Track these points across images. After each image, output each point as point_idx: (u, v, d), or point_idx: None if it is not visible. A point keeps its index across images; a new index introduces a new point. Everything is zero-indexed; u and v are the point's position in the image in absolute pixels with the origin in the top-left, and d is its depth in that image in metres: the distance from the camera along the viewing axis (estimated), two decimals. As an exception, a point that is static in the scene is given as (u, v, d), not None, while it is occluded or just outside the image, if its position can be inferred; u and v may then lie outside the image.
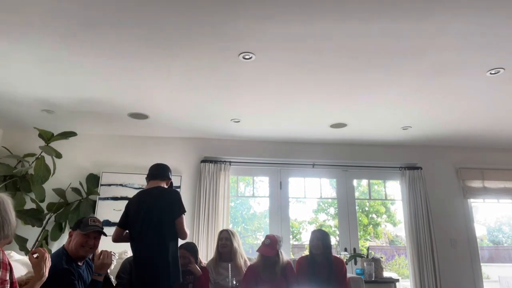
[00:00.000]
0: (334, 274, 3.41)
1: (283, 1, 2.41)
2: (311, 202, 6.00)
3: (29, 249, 4.24)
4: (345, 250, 5.05)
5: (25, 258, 2.85)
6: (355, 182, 5.49)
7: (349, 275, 3.71)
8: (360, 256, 4.58)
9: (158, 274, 2.65)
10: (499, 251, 7.80)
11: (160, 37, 2.82)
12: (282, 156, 5.31)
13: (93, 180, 4.84)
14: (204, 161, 5.07)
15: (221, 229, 4.22)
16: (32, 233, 4.36)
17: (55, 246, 4.46)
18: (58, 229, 4.50)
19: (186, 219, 2.84)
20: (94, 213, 4.66)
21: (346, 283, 3.53)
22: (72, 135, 4.54)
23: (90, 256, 2.70)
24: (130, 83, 3.60)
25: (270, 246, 3.42)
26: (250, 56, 3.07)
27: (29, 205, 4.40)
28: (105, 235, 2.65)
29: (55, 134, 4.45)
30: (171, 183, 3.06)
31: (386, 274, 4.41)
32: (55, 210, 4.47)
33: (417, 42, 2.88)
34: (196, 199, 4.94)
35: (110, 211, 4.71)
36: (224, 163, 5.09)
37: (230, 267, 3.39)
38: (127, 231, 2.87)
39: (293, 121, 4.59)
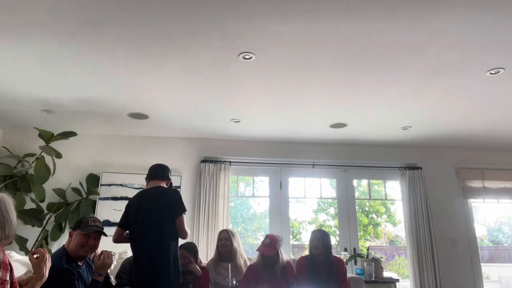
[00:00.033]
0: (334, 274, 3.41)
1: (283, 1, 2.41)
2: (311, 202, 6.01)
3: (29, 249, 4.24)
4: (345, 250, 5.05)
5: (25, 258, 2.85)
6: (355, 182, 5.50)
7: (349, 275, 3.71)
8: (360, 256, 4.58)
9: (158, 274, 2.65)
10: (499, 251, 7.80)
11: (160, 37, 2.82)
12: (282, 156, 5.31)
13: (93, 180, 4.84)
14: (204, 161, 5.07)
15: (221, 229, 4.22)
16: (32, 233, 4.36)
17: (55, 246, 4.46)
18: (58, 229, 4.50)
19: (186, 219, 2.84)
20: (94, 213, 4.66)
21: (346, 283, 3.53)
22: (72, 135, 4.54)
23: (92, 256, 2.70)
24: (130, 83, 3.60)
25: (270, 245, 3.42)
26: (250, 56, 3.07)
27: (29, 205, 4.40)
28: (105, 235, 2.65)
29: (55, 134, 4.45)
30: (171, 183, 3.06)
31: (386, 274, 4.41)
32: (55, 210, 4.48)
33: (417, 42, 2.88)
34: (196, 199, 4.94)
35: (110, 211, 4.71)
36: (224, 163, 5.09)
37: (230, 267, 3.39)
38: (127, 231, 2.87)
39: (293, 121, 4.59)
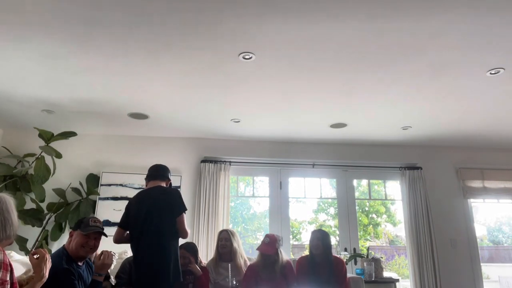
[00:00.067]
0: (334, 274, 3.41)
1: (283, 1, 2.41)
2: (311, 202, 6.00)
3: (29, 249, 4.24)
4: (345, 250, 5.05)
5: (25, 258, 2.86)
6: (355, 182, 5.50)
7: (349, 275, 3.71)
8: (360, 256, 4.58)
9: (158, 274, 2.65)
10: (499, 251, 7.80)
11: (160, 37, 2.82)
12: (282, 156, 5.31)
13: (93, 180, 4.84)
14: (204, 161, 5.07)
15: (221, 229, 4.22)
16: (32, 233, 4.36)
17: (55, 246, 4.46)
18: (58, 229, 4.50)
19: (186, 218, 2.84)
20: (94, 213, 4.66)
21: (346, 283, 3.53)
22: (72, 135, 4.54)
23: (93, 257, 2.70)
24: (130, 83, 3.60)
25: (270, 244, 3.43)
26: (250, 56, 3.07)
27: (29, 205, 4.40)
28: (106, 235, 2.65)
29: (55, 134, 4.45)
30: (170, 184, 3.06)
31: (386, 274, 4.41)
32: (55, 210, 4.48)
33: (417, 42, 2.88)
34: (196, 199, 4.94)
35: (110, 211, 4.71)
36: (224, 163, 5.09)
37: (230, 267, 3.39)
38: (128, 232, 2.87)
39: (293, 121, 4.59)
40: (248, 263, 3.62)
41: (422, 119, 4.50)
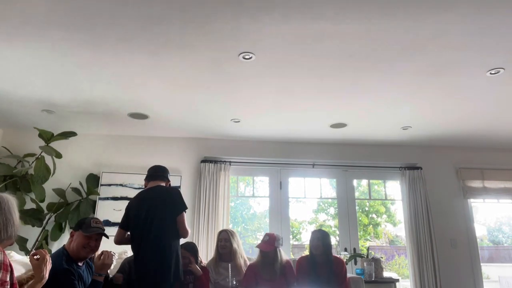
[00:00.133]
0: (334, 274, 3.41)
1: (284, 1, 2.41)
2: (311, 202, 6.00)
3: (29, 249, 4.24)
4: (345, 250, 5.05)
5: (25, 258, 2.86)
6: (355, 182, 5.49)
7: (349, 275, 3.71)
8: (360, 256, 4.58)
9: (160, 273, 2.65)
10: (499, 251, 7.79)
11: (160, 37, 2.82)
12: (282, 156, 5.31)
13: (93, 180, 4.84)
14: (204, 161, 5.07)
15: (221, 229, 4.22)
16: (32, 233, 4.36)
17: (55, 246, 4.46)
18: (58, 229, 4.50)
19: (186, 218, 2.84)
20: (94, 213, 4.66)
21: (346, 283, 3.53)
22: (72, 135, 4.54)
23: (95, 257, 2.70)
24: (130, 83, 3.60)
25: (269, 242, 3.46)
26: (250, 56, 3.07)
27: (29, 205, 4.40)
28: (107, 237, 2.65)
29: (55, 134, 4.45)
30: (169, 185, 3.07)
31: (386, 274, 4.41)
32: (55, 210, 4.48)
33: (417, 42, 2.88)
34: (196, 199, 4.94)
35: (110, 211, 4.71)
36: (224, 163, 5.09)
37: (230, 267, 3.39)
38: (129, 232, 2.87)
39: (293, 121, 4.59)
40: (248, 263, 3.63)
41: (422, 119, 4.50)
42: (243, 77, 3.46)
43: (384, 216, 7.90)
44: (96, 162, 4.98)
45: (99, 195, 4.73)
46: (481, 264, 5.19)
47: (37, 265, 2.02)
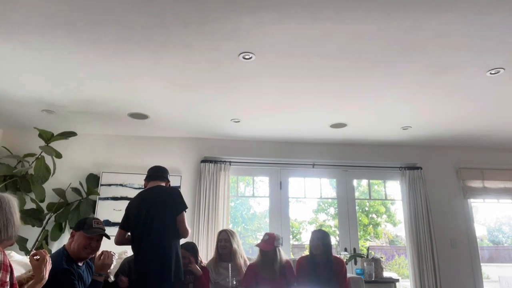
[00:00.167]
0: (334, 274, 3.41)
1: (284, 1, 2.41)
2: (311, 202, 6.00)
3: (29, 249, 4.24)
4: (345, 250, 5.05)
5: (25, 259, 2.86)
6: (355, 182, 5.49)
7: (349, 275, 3.71)
8: (360, 256, 4.58)
9: (160, 273, 2.65)
10: (499, 251, 7.79)
11: (160, 37, 2.82)
12: (282, 156, 5.31)
13: (93, 180, 4.84)
14: (204, 161, 5.07)
15: (221, 229, 4.22)
16: (32, 233, 4.36)
17: (55, 246, 4.46)
18: (58, 229, 4.50)
19: (186, 218, 2.84)
20: (94, 213, 4.66)
21: (346, 283, 3.53)
22: (72, 135, 4.54)
23: (95, 257, 2.70)
24: (130, 83, 3.60)
25: (268, 241, 3.47)
26: (250, 56, 3.07)
27: (29, 205, 4.40)
28: (109, 238, 2.65)
29: (55, 134, 4.45)
30: (169, 185, 3.07)
31: (386, 274, 4.41)
32: (55, 210, 4.48)
33: (417, 42, 2.88)
34: (196, 199, 4.94)
35: (110, 211, 4.71)
36: (224, 163, 5.09)
37: (230, 267, 3.39)
38: (129, 233, 2.87)
39: (293, 121, 4.59)
40: (248, 263, 3.63)
41: (422, 119, 4.50)
42: (243, 77, 3.46)
43: (384, 216, 7.90)
44: (96, 162, 4.98)
45: (99, 195, 4.73)
46: (481, 264, 5.19)
47: (37, 265, 2.02)
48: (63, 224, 4.55)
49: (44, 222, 4.39)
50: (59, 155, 4.39)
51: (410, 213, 5.13)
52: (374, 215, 7.82)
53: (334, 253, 3.72)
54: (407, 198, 5.21)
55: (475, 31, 2.73)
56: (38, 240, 4.34)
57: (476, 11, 2.50)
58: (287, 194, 5.29)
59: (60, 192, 4.60)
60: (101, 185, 4.81)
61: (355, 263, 4.71)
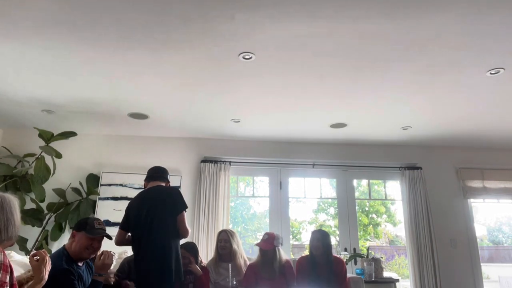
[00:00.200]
0: (334, 274, 3.41)
1: (284, 1, 2.41)
2: (311, 202, 6.00)
3: (29, 249, 4.24)
4: (345, 250, 5.05)
5: (25, 259, 2.86)
6: (355, 182, 5.49)
7: (349, 275, 3.71)
8: (360, 256, 4.58)
9: (160, 273, 2.65)
10: (499, 251, 7.79)
11: (160, 37, 2.82)
12: (282, 156, 5.31)
13: (93, 180, 4.84)
14: (204, 161, 5.07)
15: (221, 229, 4.22)
16: (32, 233, 4.36)
17: (55, 246, 4.46)
18: (58, 229, 4.50)
19: (186, 218, 2.84)
20: (94, 213, 4.66)
21: (346, 283, 3.53)
22: (72, 135, 4.54)
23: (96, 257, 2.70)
24: (130, 83, 3.60)
25: (268, 240, 3.48)
26: (250, 56, 3.07)
27: (29, 205, 4.40)
28: (111, 238, 2.65)
29: (55, 134, 4.45)
30: (169, 185, 3.07)
31: (386, 274, 4.41)
32: (55, 210, 4.47)
33: (417, 42, 2.88)
34: (196, 199, 4.93)
35: (110, 211, 4.71)
36: (224, 163, 5.09)
37: (230, 267, 3.39)
38: (129, 234, 2.87)
39: (293, 121, 4.59)
40: (248, 263, 3.63)
41: (422, 119, 4.50)
42: (243, 77, 3.46)
43: (384, 216, 7.90)
44: (96, 162, 4.98)
45: (99, 195, 4.73)
46: (481, 264, 5.19)
47: (37, 266, 2.02)
48: (63, 224, 4.55)
49: (44, 222, 4.39)
50: (59, 155, 4.39)
51: (410, 213, 5.13)
52: (374, 215, 7.82)
53: (334, 253, 3.72)
54: (407, 198, 5.21)
55: (475, 31, 2.73)
56: (38, 240, 4.34)
57: (476, 11, 2.49)
58: (287, 194, 5.29)
59: (60, 192, 4.60)
60: (101, 185, 4.81)
61: (355, 263, 4.71)
